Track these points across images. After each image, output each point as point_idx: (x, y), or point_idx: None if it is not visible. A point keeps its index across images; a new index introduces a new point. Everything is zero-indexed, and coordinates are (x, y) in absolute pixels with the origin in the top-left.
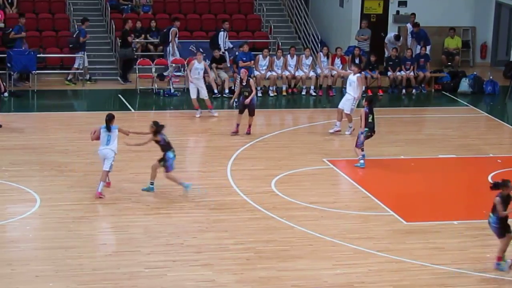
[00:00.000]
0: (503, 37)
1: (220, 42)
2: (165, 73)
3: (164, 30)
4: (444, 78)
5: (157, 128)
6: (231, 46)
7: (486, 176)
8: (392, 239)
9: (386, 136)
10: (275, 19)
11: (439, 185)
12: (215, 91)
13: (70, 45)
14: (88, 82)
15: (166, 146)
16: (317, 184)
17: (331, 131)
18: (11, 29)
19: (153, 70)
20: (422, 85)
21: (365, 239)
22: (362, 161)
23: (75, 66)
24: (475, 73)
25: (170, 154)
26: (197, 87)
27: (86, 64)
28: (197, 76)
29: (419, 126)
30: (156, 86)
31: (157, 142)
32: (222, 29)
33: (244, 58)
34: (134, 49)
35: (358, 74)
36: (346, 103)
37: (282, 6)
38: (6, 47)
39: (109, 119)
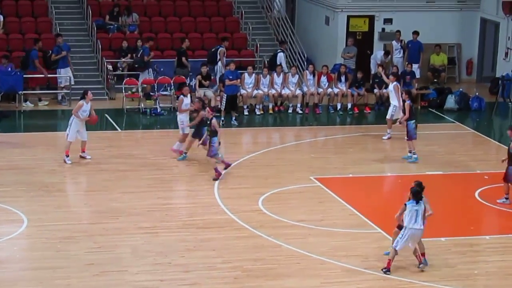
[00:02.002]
0: (489, 54)
1: (279, 61)
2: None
3: (212, 50)
4: (430, 94)
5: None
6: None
7: (473, 192)
8: (380, 257)
9: (373, 153)
10: (261, 37)
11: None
12: None
13: (135, 64)
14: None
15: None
16: (304, 202)
17: (384, 138)
18: (50, 51)
19: (140, 89)
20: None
21: (353, 256)
22: (415, 156)
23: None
24: (461, 89)
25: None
26: (77, 129)
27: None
28: (83, 117)
29: (406, 143)
30: (142, 105)
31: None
32: (280, 50)
33: (231, 77)
34: (121, 68)
35: (395, 83)
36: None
37: (268, 25)
38: (51, 69)
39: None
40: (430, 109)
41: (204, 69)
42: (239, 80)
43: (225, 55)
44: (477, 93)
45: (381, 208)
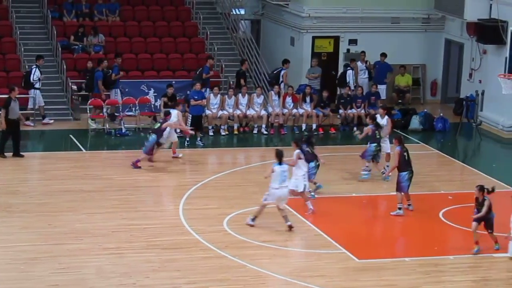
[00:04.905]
0: (453, 75)
1: (349, 79)
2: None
3: (274, 72)
4: (395, 115)
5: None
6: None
7: (438, 212)
8: (345, 277)
9: (338, 173)
10: (226, 58)
11: (391, 222)
12: None
13: (194, 82)
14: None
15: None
16: (269, 223)
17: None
18: (111, 71)
19: (104, 110)
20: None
21: (318, 277)
22: (366, 173)
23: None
24: (425, 110)
25: (312, 164)
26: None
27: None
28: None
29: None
30: (107, 126)
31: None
32: (349, 67)
33: (196, 97)
34: (86, 89)
35: (386, 116)
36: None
37: (233, 45)
38: (109, 89)
39: None
40: (395, 130)
41: (170, 90)
42: (204, 101)
43: (286, 77)
44: (441, 114)
45: (346, 228)
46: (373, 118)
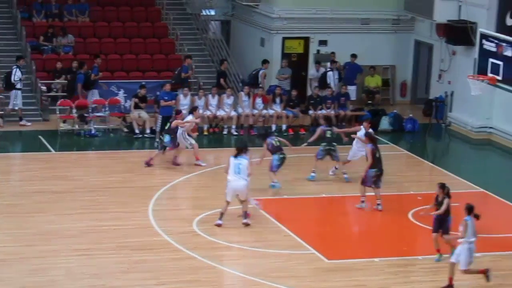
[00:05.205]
0: (422, 76)
1: (329, 81)
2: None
3: (253, 72)
4: (364, 116)
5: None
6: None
7: (407, 213)
8: (315, 278)
9: (308, 174)
10: (196, 58)
11: (360, 222)
12: (136, 131)
13: (173, 81)
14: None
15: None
16: (239, 224)
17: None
18: (90, 71)
19: (74, 110)
20: (343, 124)
21: (288, 277)
22: (313, 174)
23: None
24: (395, 111)
25: (275, 156)
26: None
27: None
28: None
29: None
30: (77, 126)
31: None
32: (330, 69)
33: (166, 98)
34: (55, 90)
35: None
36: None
37: (203, 46)
38: (90, 89)
39: None
40: None
41: (143, 91)
42: (174, 101)
43: (265, 77)
44: (411, 115)
45: (315, 229)
46: (327, 119)
